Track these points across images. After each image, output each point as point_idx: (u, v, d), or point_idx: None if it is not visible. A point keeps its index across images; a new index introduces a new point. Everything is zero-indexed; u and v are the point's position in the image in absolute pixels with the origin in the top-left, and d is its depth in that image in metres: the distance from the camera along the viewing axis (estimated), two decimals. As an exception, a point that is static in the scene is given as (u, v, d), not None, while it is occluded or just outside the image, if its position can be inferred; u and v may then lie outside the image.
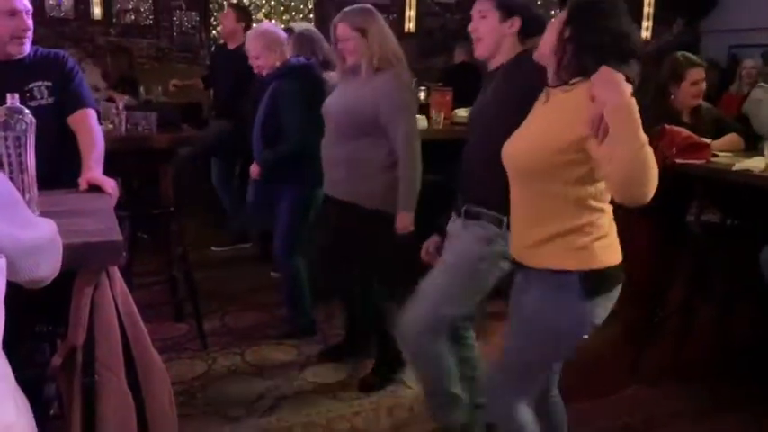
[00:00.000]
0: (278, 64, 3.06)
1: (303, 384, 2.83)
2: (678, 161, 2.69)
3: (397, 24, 7.24)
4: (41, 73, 2.22)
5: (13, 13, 2.12)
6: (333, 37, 2.64)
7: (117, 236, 1.54)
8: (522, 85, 1.85)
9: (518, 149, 1.72)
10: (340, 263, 2.82)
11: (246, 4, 6.72)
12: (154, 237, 3.79)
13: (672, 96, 3.06)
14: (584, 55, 1.58)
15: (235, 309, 3.63)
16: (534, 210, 1.68)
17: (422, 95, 6.69)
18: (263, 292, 3.81)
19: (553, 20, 1.71)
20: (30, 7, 2.18)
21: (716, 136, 2.95)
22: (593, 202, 1.62)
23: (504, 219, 1.93)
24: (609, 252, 1.67)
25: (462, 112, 4.35)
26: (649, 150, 1.42)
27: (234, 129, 4.25)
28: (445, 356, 2.18)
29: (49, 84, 2.23)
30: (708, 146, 2.73)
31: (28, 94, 2.18)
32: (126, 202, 2.83)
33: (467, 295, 2.11)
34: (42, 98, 2.21)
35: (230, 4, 4.94)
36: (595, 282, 1.64)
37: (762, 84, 3.67)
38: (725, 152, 2.86)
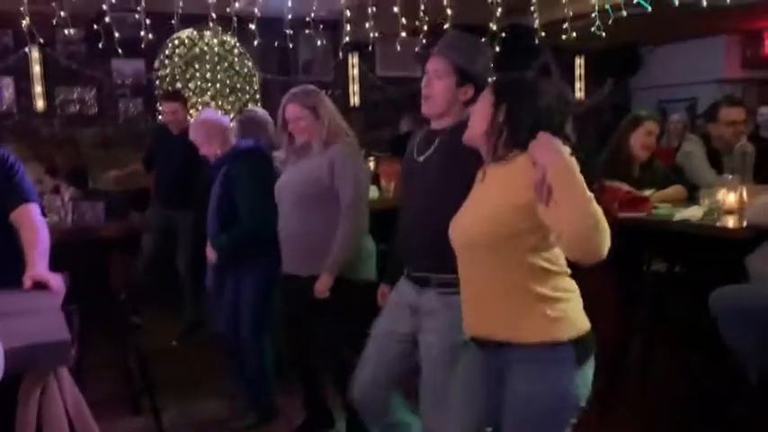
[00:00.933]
0: (219, 152, 3.07)
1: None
2: (621, 215, 2.78)
3: (342, 99, 7.41)
4: None
5: None
6: (281, 118, 2.69)
7: (64, 334, 1.49)
8: (469, 155, 1.85)
9: (465, 226, 1.72)
10: (303, 337, 2.78)
11: (192, 87, 6.81)
12: (105, 328, 3.66)
13: (626, 150, 3.22)
14: (519, 133, 1.63)
15: (194, 398, 3.50)
16: (492, 284, 1.66)
17: (371, 165, 6.83)
18: (221, 377, 3.70)
19: (477, 104, 1.76)
20: None
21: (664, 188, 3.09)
22: (552, 267, 1.63)
23: (450, 277, 1.88)
24: (583, 315, 1.67)
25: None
26: (597, 206, 1.45)
27: (190, 216, 4.21)
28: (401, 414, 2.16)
29: None
30: (647, 199, 2.85)
31: None
32: (75, 295, 2.76)
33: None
34: None
35: (164, 95, 4.96)
36: (584, 347, 1.64)
37: (690, 136, 3.87)
38: (667, 203, 2.98)
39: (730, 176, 2.87)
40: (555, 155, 1.49)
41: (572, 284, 1.68)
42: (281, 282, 2.81)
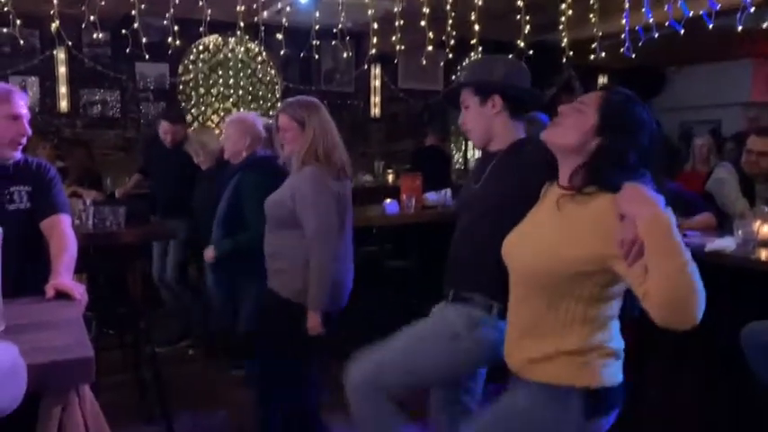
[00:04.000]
0: (245, 153, 3.09)
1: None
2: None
3: (363, 110, 7.41)
4: (23, 178, 2.25)
5: (16, 117, 2.18)
6: (275, 127, 2.65)
7: (88, 351, 1.46)
8: (521, 177, 1.81)
9: (525, 253, 1.60)
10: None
11: (215, 93, 6.83)
12: (121, 334, 3.65)
13: None
14: (611, 169, 1.46)
15: (207, 407, 3.47)
16: (536, 320, 1.56)
17: (390, 179, 6.81)
18: (234, 385, 3.67)
19: (580, 107, 1.55)
20: (29, 114, 2.25)
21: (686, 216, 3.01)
22: (603, 321, 1.52)
23: (495, 304, 1.86)
24: (613, 371, 1.55)
25: (433, 196, 4.40)
26: (695, 268, 1.30)
27: (185, 224, 4.20)
28: (386, 418, 2.01)
29: (29, 189, 2.25)
30: (678, 227, 2.77)
31: (8, 197, 2.20)
32: (92, 301, 2.75)
33: (419, 368, 1.95)
34: (21, 202, 2.23)
35: (165, 114, 4.99)
36: (598, 401, 1.53)
37: (723, 163, 3.80)
38: (696, 231, 2.91)
39: (766, 208, 2.80)
40: (648, 206, 1.33)
41: (616, 339, 1.56)
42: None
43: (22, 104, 2.19)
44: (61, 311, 1.80)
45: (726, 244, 2.56)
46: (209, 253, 3.13)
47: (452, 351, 1.92)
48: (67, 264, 2.06)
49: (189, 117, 6.55)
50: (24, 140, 2.22)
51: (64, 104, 6.17)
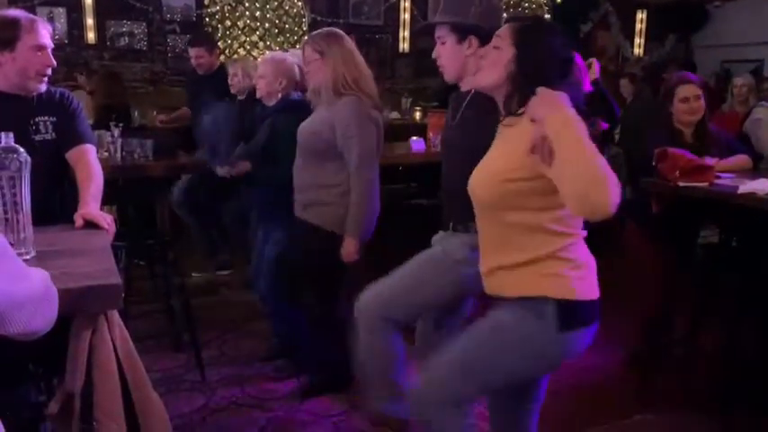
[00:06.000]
0: (280, 94, 3.07)
1: (304, 416, 2.78)
2: (681, 184, 2.66)
3: (392, 45, 7.26)
4: (47, 109, 2.25)
5: (41, 48, 2.14)
6: (302, 60, 2.68)
7: (116, 279, 1.50)
8: (488, 112, 1.82)
9: (476, 181, 1.71)
10: (300, 284, 2.81)
11: (241, 26, 6.73)
12: (150, 264, 3.74)
13: (672, 116, 3.05)
14: (531, 85, 1.57)
15: (233, 336, 3.57)
16: (498, 239, 1.66)
17: (417, 116, 6.71)
18: (259, 318, 3.76)
19: (496, 43, 1.68)
20: (53, 44, 2.21)
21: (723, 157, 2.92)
22: (558, 228, 1.59)
23: None
24: (585, 285, 1.63)
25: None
26: (600, 160, 1.38)
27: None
28: (393, 344, 2.20)
29: (54, 119, 2.25)
30: (711, 168, 2.70)
31: (33, 127, 2.21)
32: (122, 233, 2.81)
33: (422, 294, 2.13)
34: (47, 132, 2.23)
35: (194, 41, 4.92)
36: (571, 314, 1.60)
37: (762, 102, 3.66)
38: (730, 172, 2.83)
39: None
40: (553, 109, 1.43)
41: (582, 252, 1.64)
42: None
43: (46, 35, 2.16)
44: (90, 240, 1.84)
45: (760, 186, 2.49)
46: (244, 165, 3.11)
47: (453, 277, 2.06)
48: (94, 194, 2.09)
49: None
50: (49, 71, 2.20)
51: (91, 36, 6.15)
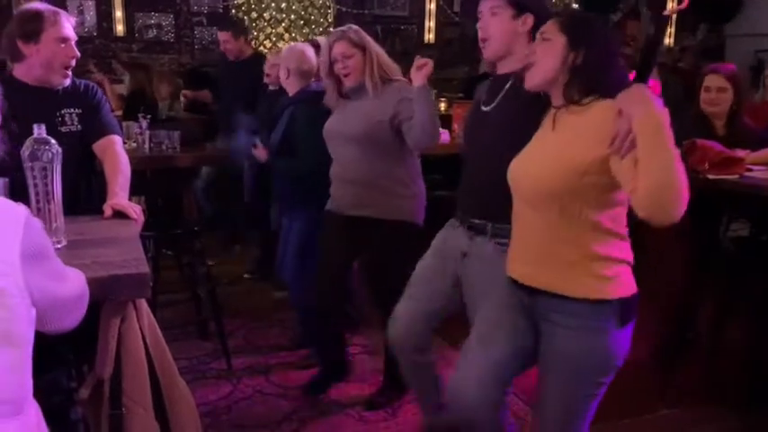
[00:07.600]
0: (297, 88, 3.07)
1: (328, 405, 2.80)
2: (710, 177, 2.62)
3: (417, 35, 7.23)
4: (73, 101, 2.27)
5: (65, 40, 2.16)
6: (326, 58, 2.61)
7: (144, 268, 1.53)
8: (535, 101, 1.74)
9: (529, 172, 1.66)
10: (340, 280, 2.78)
11: (267, 18, 6.76)
12: (177, 253, 3.79)
13: (700, 107, 3.00)
14: (598, 76, 1.57)
15: (259, 326, 3.61)
16: (552, 232, 1.62)
17: (442, 107, 6.67)
18: (285, 308, 3.79)
19: (544, 36, 1.64)
20: (76, 36, 2.23)
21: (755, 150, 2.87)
22: (613, 228, 1.59)
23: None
24: (632, 279, 1.65)
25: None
26: (681, 165, 1.38)
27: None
28: (431, 369, 2.22)
29: (79, 111, 2.27)
30: (742, 160, 2.66)
31: (59, 119, 2.22)
32: (150, 223, 2.85)
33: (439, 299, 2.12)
34: (73, 124, 2.25)
35: (222, 25, 4.93)
36: (629, 308, 1.62)
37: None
38: (760, 165, 2.78)
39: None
40: (647, 106, 1.41)
41: (629, 251, 1.64)
42: (329, 222, 2.74)
43: (70, 27, 2.18)
44: (119, 230, 1.87)
45: (792, 179, 2.44)
46: (262, 152, 3.12)
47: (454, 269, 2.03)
48: (122, 184, 2.12)
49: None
50: (74, 63, 2.22)
51: (120, 28, 6.22)
